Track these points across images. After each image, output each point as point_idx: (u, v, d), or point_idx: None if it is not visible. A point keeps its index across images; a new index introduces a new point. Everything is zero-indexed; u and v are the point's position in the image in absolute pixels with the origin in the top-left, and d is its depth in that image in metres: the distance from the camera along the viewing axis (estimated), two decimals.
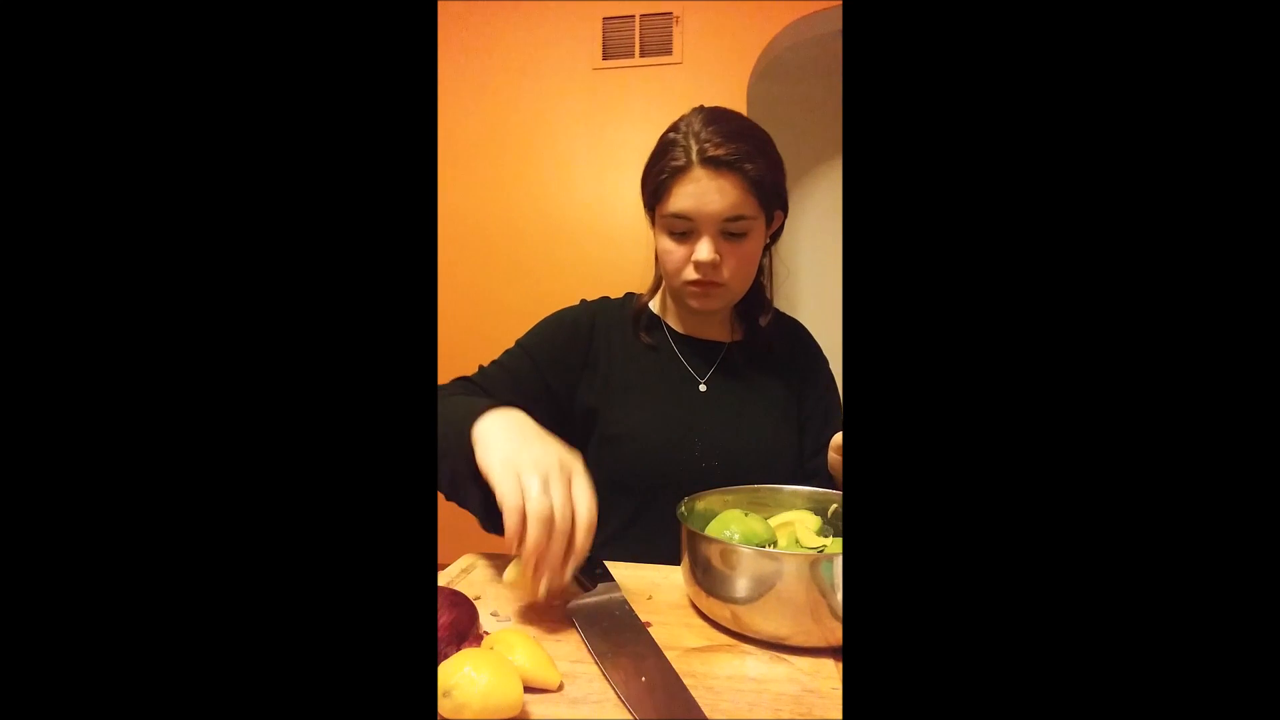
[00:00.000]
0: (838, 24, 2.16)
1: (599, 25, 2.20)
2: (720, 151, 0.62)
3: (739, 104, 2.10)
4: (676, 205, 0.65)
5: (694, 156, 0.63)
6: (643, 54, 2.19)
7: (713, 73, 2.15)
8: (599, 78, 2.22)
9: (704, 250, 0.65)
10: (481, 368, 0.72)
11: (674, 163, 0.64)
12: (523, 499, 0.43)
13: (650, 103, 2.19)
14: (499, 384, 0.70)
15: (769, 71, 2.43)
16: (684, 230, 0.67)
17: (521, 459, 0.45)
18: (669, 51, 2.17)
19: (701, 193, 0.64)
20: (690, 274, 0.68)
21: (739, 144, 0.63)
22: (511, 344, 0.78)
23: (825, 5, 2.08)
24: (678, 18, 2.16)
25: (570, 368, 0.74)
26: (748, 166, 0.63)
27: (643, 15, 2.18)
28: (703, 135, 0.64)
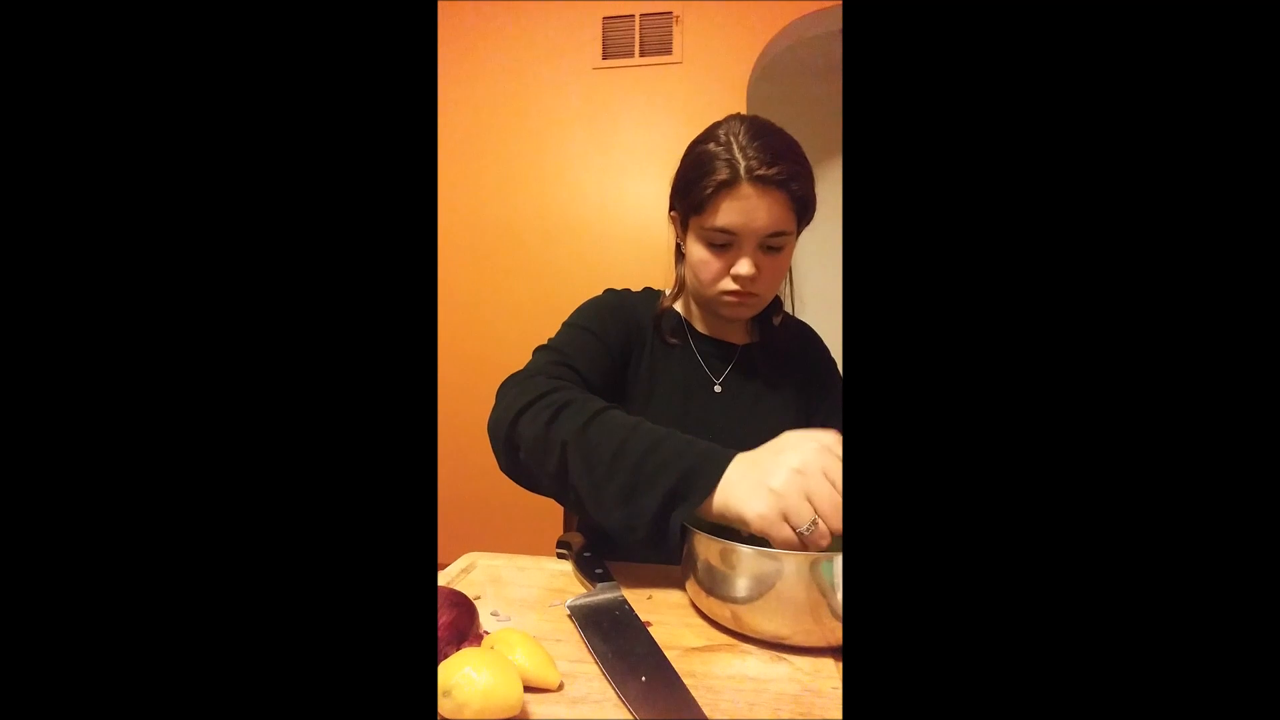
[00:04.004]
0: (837, 24, 2.16)
1: (599, 25, 2.20)
2: (772, 171, 0.63)
3: (739, 104, 2.10)
4: (723, 220, 0.65)
5: (742, 172, 0.63)
6: (643, 54, 2.19)
7: (713, 73, 2.15)
8: (599, 78, 2.22)
9: (745, 265, 0.67)
10: (546, 347, 0.70)
11: (719, 177, 0.64)
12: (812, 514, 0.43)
13: (650, 103, 2.19)
14: (582, 362, 0.68)
15: (769, 71, 2.43)
16: (724, 243, 0.67)
17: (787, 500, 0.44)
18: (669, 51, 2.17)
19: (750, 209, 0.64)
20: (728, 285, 0.69)
21: (786, 163, 0.64)
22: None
23: (825, 5, 2.08)
24: (678, 18, 2.16)
25: (626, 351, 0.75)
26: (794, 186, 0.64)
27: (643, 15, 2.18)
28: (750, 151, 0.64)
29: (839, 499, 0.43)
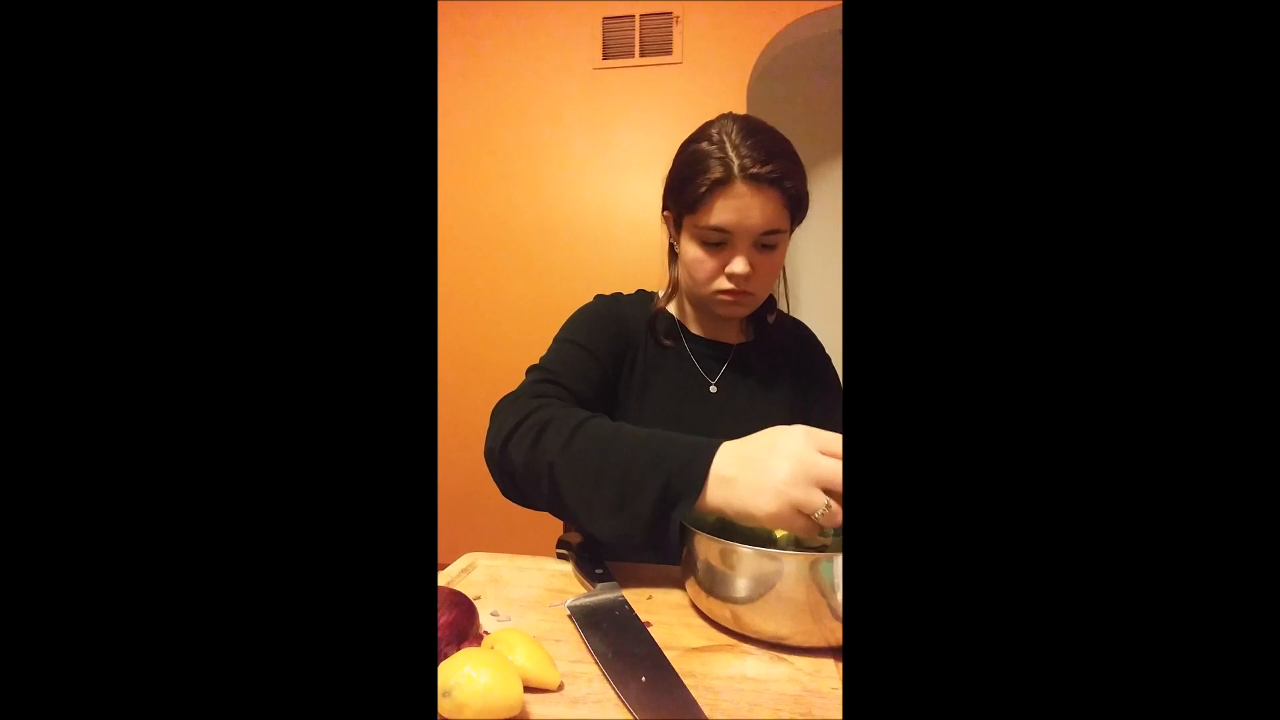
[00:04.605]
0: (838, 24, 2.16)
1: (599, 25, 2.21)
2: (765, 169, 0.63)
3: (739, 104, 2.10)
4: (717, 219, 0.65)
5: (735, 171, 0.63)
6: (643, 54, 2.19)
7: (713, 73, 2.15)
8: (599, 78, 2.22)
9: (740, 264, 0.67)
10: (537, 366, 0.70)
11: (713, 175, 0.64)
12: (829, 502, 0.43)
13: (650, 103, 2.19)
14: (571, 378, 0.68)
15: (769, 71, 2.43)
16: (718, 242, 0.67)
17: (795, 482, 0.44)
18: (669, 51, 2.17)
19: (743, 208, 0.64)
20: (723, 284, 0.69)
21: (780, 161, 0.64)
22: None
23: (825, 5, 2.08)
24: (678, 18, 2.16)
25: (618, 359, 0.74)
26: (787, 184, 0.64)
27: (643, 15, 2.18)
28: (743, 150, 0.64)
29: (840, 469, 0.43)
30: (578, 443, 0.53)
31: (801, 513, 0.43)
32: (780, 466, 0.44)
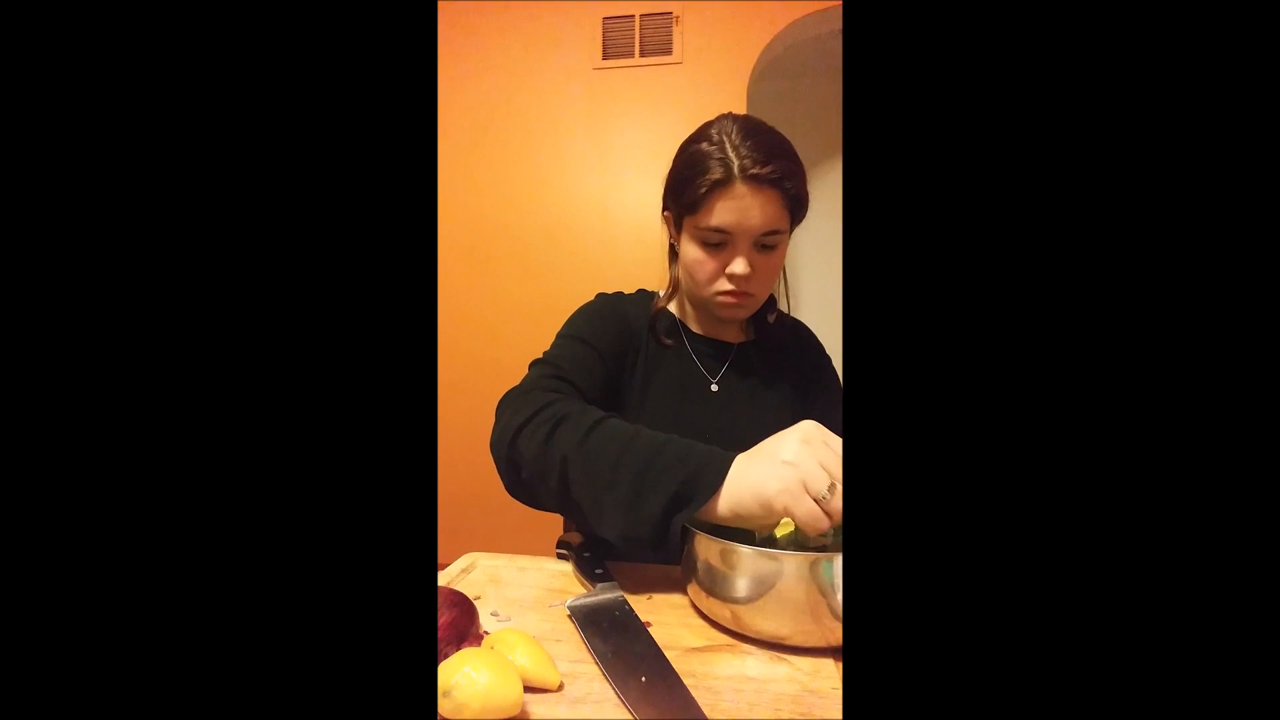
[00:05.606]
0: (838, 24, 2.16)
1: (599, 25, 2.21)
2: (766, 170, 0.63)
3: (739, 104, 2.10)
4: (718, 220, 0.65)
5: (735, 171, 0.63)
6: (643, 54, 2.19)
7: (713, 73, 2.15)
8: (599, 78, 2.22)
9: (740, 265, 0.67)
10: (541, 361, 0.70)
11: (713, 176, 0.64)
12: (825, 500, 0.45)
13: (650, 103, 2.19)
14: (577, 374, 0.68)
15: (769, 71, 2.43)
16: (718, 242, 0.67)
17: (801, 475, 0.45)
18: (669, 51, 2.17)
19: (744, 208, 0.64)
20: (723, 285, 0.69)
21: (780, 161, 0.64)
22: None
23: (825, 5, 2.08)
24: (678, 18, 2.16)
25: (621, 357, 0.74)
26: (788, 184, 0.64)
27: (643, 15, 2.18)
28: (743, 150, 0.64)
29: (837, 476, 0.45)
30: (594, 440, 0.53)
31: (808, 492, 0.44)
32: (788, 445, 0.46)
